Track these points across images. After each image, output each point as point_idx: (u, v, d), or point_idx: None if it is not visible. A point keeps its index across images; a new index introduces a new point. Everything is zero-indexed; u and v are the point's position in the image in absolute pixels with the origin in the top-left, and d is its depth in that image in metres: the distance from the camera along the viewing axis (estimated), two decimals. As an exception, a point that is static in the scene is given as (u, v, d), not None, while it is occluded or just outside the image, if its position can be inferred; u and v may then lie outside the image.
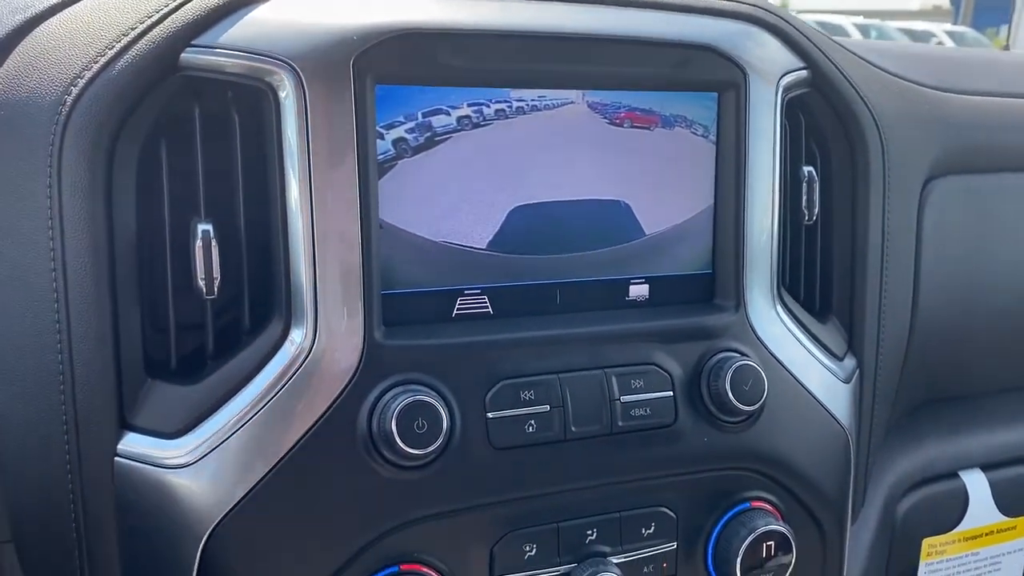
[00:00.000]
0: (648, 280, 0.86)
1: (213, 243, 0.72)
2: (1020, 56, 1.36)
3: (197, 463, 0.71)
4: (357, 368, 0.73)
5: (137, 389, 0.73)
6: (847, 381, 0.96)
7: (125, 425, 0.72)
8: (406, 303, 0.77)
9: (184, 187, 0.73)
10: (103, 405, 0.71)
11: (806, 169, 0.94)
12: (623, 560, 0.81)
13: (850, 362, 0.98)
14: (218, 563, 0.71)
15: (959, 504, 1.15)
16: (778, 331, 0.89)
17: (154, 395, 0.73)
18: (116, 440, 0.72)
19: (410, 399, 0.72)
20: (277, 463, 0.71)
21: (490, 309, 0.80)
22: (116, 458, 0.72)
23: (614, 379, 0.80)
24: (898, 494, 1.11)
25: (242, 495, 0.70)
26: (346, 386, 0.72)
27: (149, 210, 0.73)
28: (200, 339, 0.75)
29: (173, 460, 0.71)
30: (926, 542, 1.13)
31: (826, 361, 0.94)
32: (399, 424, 0.71)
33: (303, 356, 0.72)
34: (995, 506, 1.16)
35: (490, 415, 0.76)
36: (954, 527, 1.15)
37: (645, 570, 0.83)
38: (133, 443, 0.72)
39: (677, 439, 0.82)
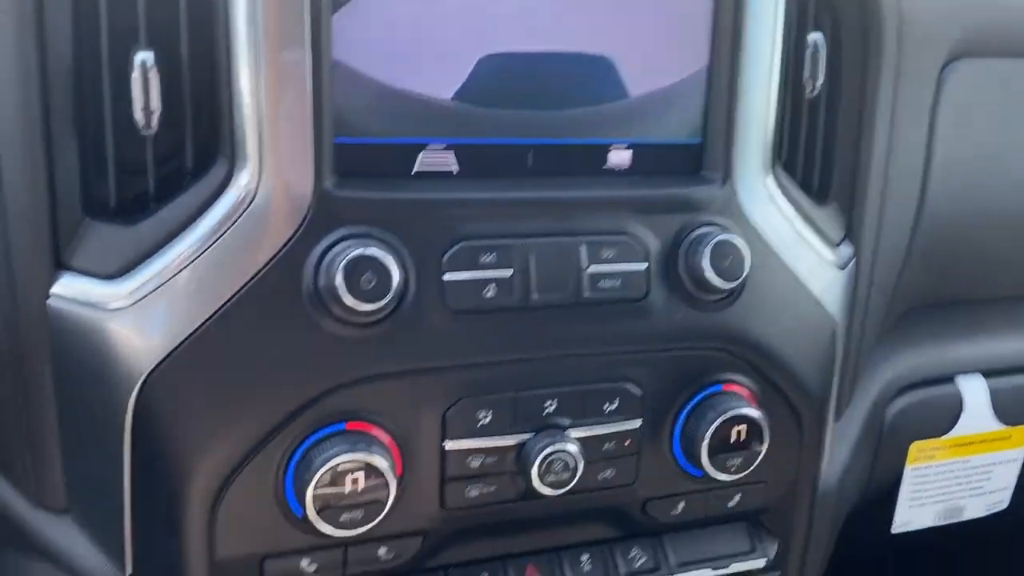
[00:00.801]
0: (631, 146, 0.80)
1: (153, 73, 0.67)
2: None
3: (134, 306, 0.68)
4: (305, 217, 0.68)
5: (74, 228, 0.69)
6: (841, 268, 0.90)
7: (60, 265, 0.69)
8: (362, 154, 0.72)
9: (124, 13, 0.67)
10: (35, 243, 0.67)
11: (812, 36, 0.87)
12: (583, 434, 0.78)
13: (846, 250, 0.92)
14: (153, 410, 0.68)
15: (953, 409, 1.10)
16: (768, 209, 0.84)
17: (92, 235, 0.69)
18: (50, 281, 0.69)
19: (358, 251, 0.67)
20: (217, 311, 0.67)
21: (455, 167, 0.75)
22: (50, 300, 0.69)
23: (584, 247, 0.75)
24: (889, 395, 1.06)
25: (179, 341, 0.67)
26: (292, 235, 0.68)
27: (86, 37, 0.67)
28: (143, 182, 0.70)
29: (110, 303, 0.68)
30: (915, 446, 1.09)
31: (819, 245, 0.88)
32: (346, 277, 0.67)
33: (248, 200, 0.68)
34: (992, 413, 1.12)
35: (447, 276, 0.72)
36: (946, 433, 1.11)
37: (606, 446, 0.79)
38: (68, 284, 0.69)
39: (648, 314, 0.78)
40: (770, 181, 0.84)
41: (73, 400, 0.71)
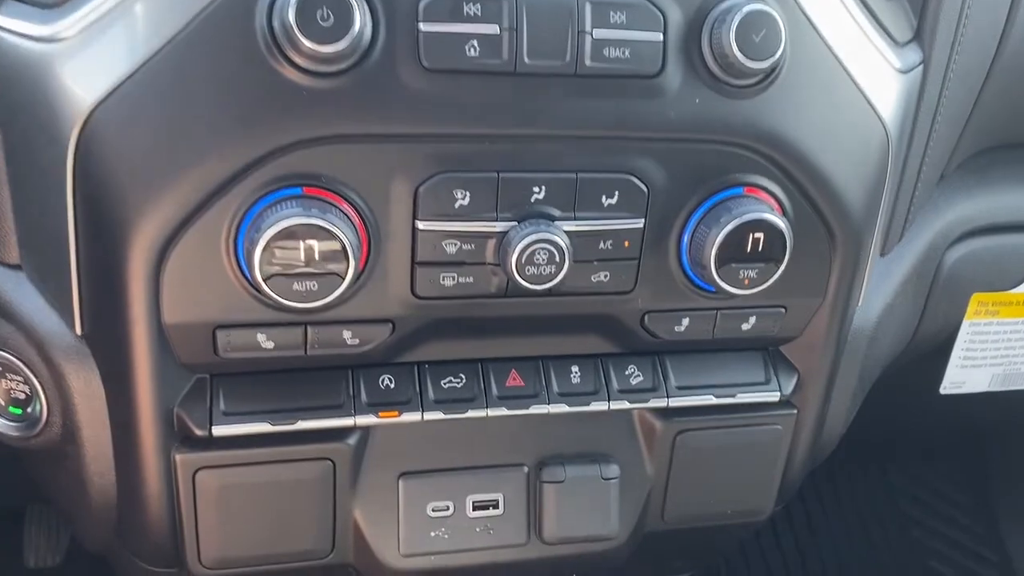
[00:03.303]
0: None
1: None
2: None
3: (75, 38, 0.62)
4: None
5: None
6: (903, 72, 0.77)
7: None
8: None
9: None
10: None
11: None
12: (575, 228, 0.69)
13: (913, 54, 0.79)
14: (95, 154, 0.63)
15: (1024, 262, 0.97)
16: (819, -13, 0.71)
17: None
18: None
19: None
20: (163, 45, 0.61)
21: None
22: None
23: (588, 7, 0.65)
24: (950, 237, 0.93)
25: (123, 77, 0.61)
26: None
27: None
28: None
29: (52, 34, 0.62)
30: (975, 297, 0.97)
31: (878, 41, 0.76)
32: (300, 12, 0.59)
33: None
34: (1072, 270, 0.98)
35: (423, 27, 0.63)
36: (1015, 287, 0.99)
37: (602, 245, 0.71)
38: (8, 15, 0.63)
39: (660, 94, 0.67)
40: None
41: (20, 145, 0.66)
